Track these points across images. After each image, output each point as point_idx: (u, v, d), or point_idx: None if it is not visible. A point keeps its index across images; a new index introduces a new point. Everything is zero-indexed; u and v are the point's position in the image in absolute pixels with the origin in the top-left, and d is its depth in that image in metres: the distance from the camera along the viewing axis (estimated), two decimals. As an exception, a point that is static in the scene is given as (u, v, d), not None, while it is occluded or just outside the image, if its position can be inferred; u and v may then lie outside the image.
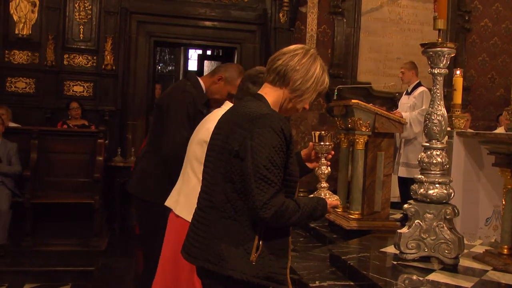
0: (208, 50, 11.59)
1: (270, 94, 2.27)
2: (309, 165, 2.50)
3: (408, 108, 6.91)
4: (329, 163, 2.42)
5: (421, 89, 6.90)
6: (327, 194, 2.36)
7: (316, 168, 2.45)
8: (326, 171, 2.41)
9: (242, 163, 2.06)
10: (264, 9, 8.83)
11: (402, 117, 6.10)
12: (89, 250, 6.74)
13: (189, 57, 15.07)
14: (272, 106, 2.23)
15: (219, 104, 3.37)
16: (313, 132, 2.43)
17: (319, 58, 2.32)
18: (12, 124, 7.50)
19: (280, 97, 2.27)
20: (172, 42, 9.57)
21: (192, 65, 14.60)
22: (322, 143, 2.39)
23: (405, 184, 6.58)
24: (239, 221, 2.09)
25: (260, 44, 8.94)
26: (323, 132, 2.40)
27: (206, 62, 11.26)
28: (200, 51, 12.57)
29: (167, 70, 16.51)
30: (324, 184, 2.41)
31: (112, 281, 6.01)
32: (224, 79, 3.70)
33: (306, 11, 8.77)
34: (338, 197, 2.38)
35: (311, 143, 2.44)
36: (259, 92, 2.31)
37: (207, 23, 8.82)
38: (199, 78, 3.80)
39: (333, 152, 2.44)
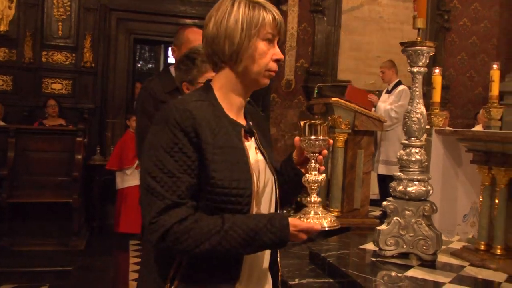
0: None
1: (215, 80, 1.70)
2: (305, 170, 1.73)
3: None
4: (322, 167, 1.68)
5: (401, 87, 6.95)
6: (318, 212, 1.60)
7: (304, 175, 1.68)
8: (317, 178, 1.65)
9: None
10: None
11: (376, 101, 6.15)
12: (68, 250, 6.67)
13: (170, 54, 14.98)
14: (222, 93, 1.66)
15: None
16: (300, 121, 1.70)
17: None
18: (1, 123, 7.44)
19: (225, 77, 1.67)
20: (152, 39, 9.51)
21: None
22: (312, 138, 1.64)
23: (384, 181, 6.62)
24: None
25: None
26: (315, 121, 1.67)
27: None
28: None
29: (147, 68, 16.41)
30: (314, 198, 1.64)
31: (91, 281, 5.95)
32: (176, 46, 3.25)
33: (286, 9, 8.77)
34: (331, 218, 1.61)
35: (297, 138, 1.70)
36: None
37: (188, 21, 8.77)
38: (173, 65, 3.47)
39: (325, 152, 1.69)
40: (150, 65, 16.37)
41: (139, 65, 15.69)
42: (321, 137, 1.64)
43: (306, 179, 1.65)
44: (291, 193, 1.85)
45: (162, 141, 1.51)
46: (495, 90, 5.29)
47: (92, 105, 8.34)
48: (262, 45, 1.62)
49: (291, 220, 1.54)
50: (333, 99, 5.60)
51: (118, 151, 7.70)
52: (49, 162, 7.14)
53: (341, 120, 5.48)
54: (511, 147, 4.06)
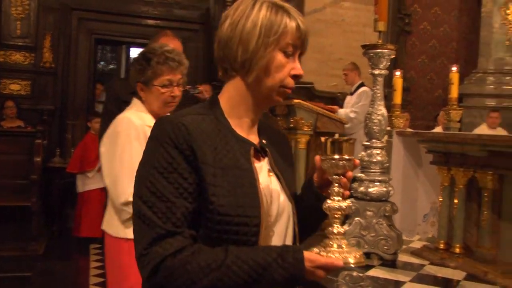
0: (151, 49, 11.47)
1: (224, 90, 1.48)
2: (327, 195, 1.43)
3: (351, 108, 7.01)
4: (347, 192, 1.40)
5: (362, 89, 7.01)
6: (342, 246, 1.35)
7: (325, 201, 1.40)
8: (341, 205, 1.38)
9: None
10: (207, 8, 8.79)
11: (337, 110, 6.20)
12: (27, 255, 6.53)
13: (131, 55, 14.84)
14: (229, 106, 1.45)
15: None
16: (321, 137, 1.46)
17: None
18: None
19: (235, 88, 1.45)
20: (114, 40, 9.43)
21: (135, 65, 14.35)
22: (335, 157, 1.37)
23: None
24: None
25: (203, 44, 8.89)
26: (337, 136, 1.41)
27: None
28: (142, 50, 12.38)
29: (108, 69, 16.21)
30: (338, 229, 1.37)
31: (51, 286, 5.83)
32: None
33: (249, 11, 8.76)
34: (357, 253, 1.35)
35: (317, 157, 1.43)
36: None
37: (150, 22, 8.72)
38: None
39: (351, 174, 1.40)
40: (112, 66, 16.18)
41: (100, 65, 15.48)
42: (346, 156, 1.37)
43: (327, 205, 1.38)
44: (313, 223, 1.57)
45: (154, 160, 1.30)
46: (454, 92, 5.39)
47: (52, 107, 8.19)
48: (280, 57, 1.40)
49: (307, 254, 1.30)
50: (295, 100, 5.60)
51: (79, 154, 7.57)
52: (7, 164, 6.99)
53: (303, 121, 5.49)
54: (469, 148, 4.14)
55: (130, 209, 1.98)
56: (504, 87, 8.21)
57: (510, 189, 4.05)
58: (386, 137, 4.74)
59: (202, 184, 1.30)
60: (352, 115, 6.74)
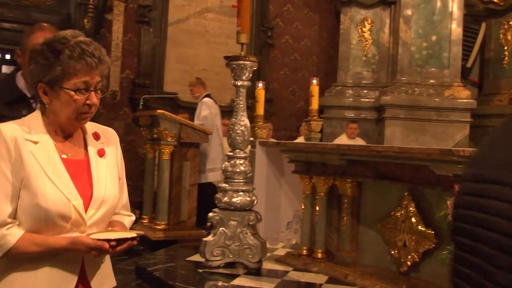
0: (7, 54, 10.79)
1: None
2: None
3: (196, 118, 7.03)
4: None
5: (202, 100, 7.10)
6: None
7: None
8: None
9: None
10: (68, 13, 8.44)
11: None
12: None
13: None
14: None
15: None
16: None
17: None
18: None
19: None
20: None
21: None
22: None
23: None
24: None
25: (63, 51, 8.51)
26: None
27: (4, 67, 10.47)
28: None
29: (-42, 77, 15.08)
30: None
31: None
32: (21, 50, 2.49)
33: (111, 19, 8.54)
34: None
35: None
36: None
37: (5, 25, 8.19)
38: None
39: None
40: (-38, 74, 15.04)
41: None
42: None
43: None
44: None
45: None
46: (314, 104, 5.59)
47: None
48: None
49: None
50: (159, 111, 5.54)
51: None
52: None
53: (167, 132, 5.43)
54: (329, 158, 4.31)
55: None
56: (362, 99, 8.67)
57: (368, 195, 4.26)
58: (249, 148, 4.81)
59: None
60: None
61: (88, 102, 1.74)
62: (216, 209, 4.21)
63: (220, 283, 3.79)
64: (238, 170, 4.17)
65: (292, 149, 4.85)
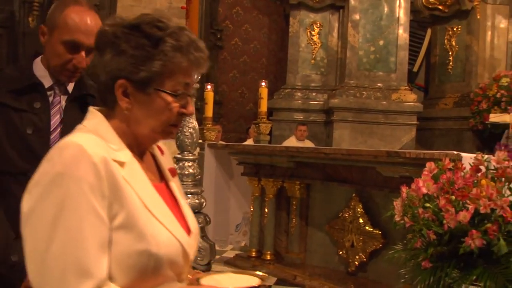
0: None
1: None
2: None
3: None
4: None
5: None
6: None
7: None
8: None
9: None
10: (11, 11, 8.20)
11: None
12: None
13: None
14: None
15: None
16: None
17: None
18: None
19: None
20: None
21: None
22: None
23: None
24: None
25: (7, 49, 8.28)
26: None
27: None
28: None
29: None
30: None
31: None
32: (47, 27, 2.02)
33: (57, 18, 8.35)
34: None
35: None
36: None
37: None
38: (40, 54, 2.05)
39: None
40: None
41: None
42: None
43: None
44: None
45: None
46: (263, 106, 5.61)
47: None
48: None
49: None
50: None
51: None
52: None
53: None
54: (278, 160, 4.32)
55: None
56: (311, 102, 8.75)
57: (316, 197, 4.30)
58: (198, 150, 4.78)
59: None
60: None
61: (184, 111, 1.28)
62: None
63: None
64: (186, 172, 4.13)
65: (241, 151, 4.85)
